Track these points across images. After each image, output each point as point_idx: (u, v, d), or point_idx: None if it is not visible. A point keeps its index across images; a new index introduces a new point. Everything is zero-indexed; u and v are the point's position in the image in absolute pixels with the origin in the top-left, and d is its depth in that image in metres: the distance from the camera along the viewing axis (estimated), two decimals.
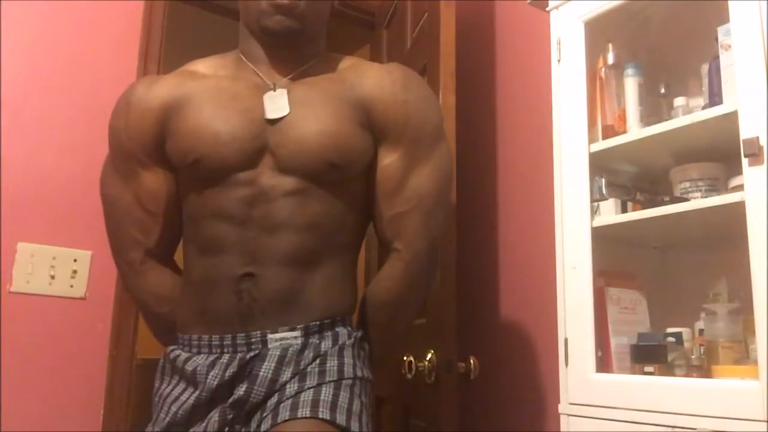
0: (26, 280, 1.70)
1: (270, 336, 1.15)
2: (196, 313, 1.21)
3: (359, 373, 1.18)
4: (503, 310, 2.00)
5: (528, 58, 2.03)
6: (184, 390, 1.17)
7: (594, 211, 1.47)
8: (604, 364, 1.41)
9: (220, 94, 1.22)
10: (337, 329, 1.20)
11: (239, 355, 1.15)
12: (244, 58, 1.29)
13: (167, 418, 1.17)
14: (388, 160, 1.24)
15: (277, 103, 1.21)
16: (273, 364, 1.13)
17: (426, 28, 1.91)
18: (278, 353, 1.14)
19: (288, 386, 1.12)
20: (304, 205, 1.18)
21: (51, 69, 1.81)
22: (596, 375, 1.37)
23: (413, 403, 1.79)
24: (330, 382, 1.13)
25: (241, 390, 1.13)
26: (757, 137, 1.15)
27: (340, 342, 1.19)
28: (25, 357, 1.67)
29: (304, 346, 1.16)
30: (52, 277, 1.72)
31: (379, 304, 1.26)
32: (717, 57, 1.34)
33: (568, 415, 1.38)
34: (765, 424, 1.07)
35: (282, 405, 1.09)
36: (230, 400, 1.13)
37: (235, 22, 1.35)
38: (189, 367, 1.17)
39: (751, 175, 1.16)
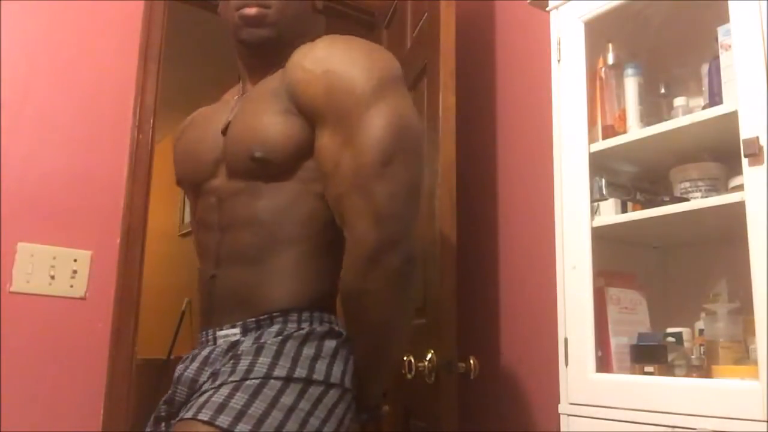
0: (26, 280, 1.70)
1: (218, 333, 1.17)
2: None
3: (280, 373, 1.06)
4: (503, 310, 2.00)
5: (528, 58, 2.03)
6: None
7: (594, 211, 1.47)
8: (604, 364, 1.41)
9: (205, 118, 1.32)
10: (273, 326, 1.13)
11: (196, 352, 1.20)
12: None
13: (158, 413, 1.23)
14: (322, 140, 1.14)
15: (229, 114, 1.26)
16: (197, 365, 1.15)
17: (426, 28, 1.91)
18: (205, 353, 1.16)
19: (204, 386, 1.10)
20: (250, 203, 1.18)
21: (51, 69, 1.81)
22: (596, 375, 1.37)
23: (413, 403, 1.79)
24: (231, 382, 1.05)
25: (171, 389, 1.17)
26: (757, 137, 1.16)
27: (262, 340, 1.11)
28: (25, 357, 1.67)
29: (233, 345, 1.13)
30: (52, 277, 1.72)
31: (342, 295, 1.15)
32: (717, 57, 1.34)
33: (568, 415, 1.39)
34: (765, 424, 1.07)
35: (187, 405, 1.09)
36: (164, 398, 1.18)
37: None
38: None
39: (751, 175, 1.16)
